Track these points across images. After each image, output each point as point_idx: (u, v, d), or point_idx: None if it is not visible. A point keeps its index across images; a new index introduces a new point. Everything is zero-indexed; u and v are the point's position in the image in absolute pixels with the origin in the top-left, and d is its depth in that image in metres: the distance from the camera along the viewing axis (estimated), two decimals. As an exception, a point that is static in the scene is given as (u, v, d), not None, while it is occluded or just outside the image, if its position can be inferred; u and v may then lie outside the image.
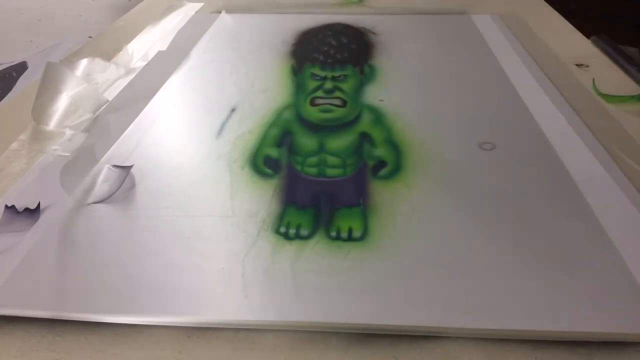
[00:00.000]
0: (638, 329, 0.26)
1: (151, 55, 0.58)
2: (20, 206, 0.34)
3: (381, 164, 0.39)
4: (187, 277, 0.29)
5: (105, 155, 0.40)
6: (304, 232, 0.32)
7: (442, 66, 0.54)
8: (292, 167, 0.39)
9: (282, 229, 0.32)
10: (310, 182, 0.37)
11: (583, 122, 0.43)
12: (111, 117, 0.46)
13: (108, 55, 0.57)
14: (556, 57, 0.56)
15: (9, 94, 0.72)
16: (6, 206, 0.34)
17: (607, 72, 0.53)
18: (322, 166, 0.39)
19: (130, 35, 0.64)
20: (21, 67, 0.81)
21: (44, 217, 0.34)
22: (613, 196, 0.35)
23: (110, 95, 0.49)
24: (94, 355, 0.26)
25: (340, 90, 0.49)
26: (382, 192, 0.36)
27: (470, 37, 0.62)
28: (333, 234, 0.32)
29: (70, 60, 0.54)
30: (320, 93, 0.49)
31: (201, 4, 0.75)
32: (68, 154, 0.41)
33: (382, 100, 0.47)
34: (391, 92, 0.49)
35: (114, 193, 0.36)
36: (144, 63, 0.56)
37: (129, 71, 0.54)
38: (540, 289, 0.28)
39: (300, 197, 0.36)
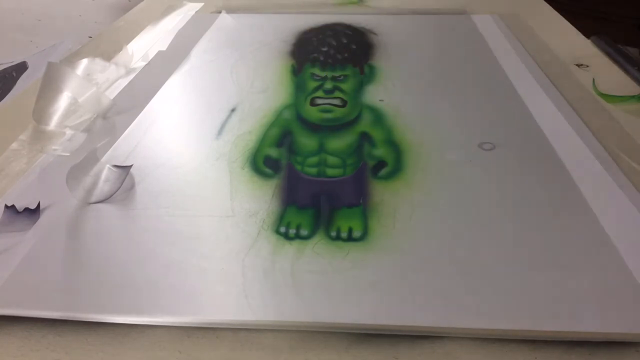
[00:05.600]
0: (638, 329, 0.26)
1: (151, 55, 0.58)
2: (20, 206, 0.34)
3: (381, 164, 0.39)
4: (187, 277, 0.29)
5: (105, 155, 0.40)
6: (304, 232, 0.32)
7: (442, 66, 0.54)
8: (292, 167, 0.39)
9: (282, 229, 0.32)
10: (310, 182, 0.37)
11: (583, 122, 0.43)
12: (111, 117, 0.46)
13: (108, 55, 0.57)
14: (556, 57, 0.56)
15: (9, 94, 0.72)
16: (6, 206, 0.34)
17: (607, 72, 0.53)
18: (322, 166, 0.39)
19: (130, 35, 0.64)
20: (21, 67, 0.80)
21: (44, 217, 0.34)
22: (613, 196, 0.35)
23: (110, 95, 0.49)
24: (94, 355, 0.26)
25: (340, 90, 0.49)
26: (382, 192, 0.36)
27: (470, 37, 0.62)
28: (333, 234, 0.32)
29: (70, 60, 0.54)
30: (320, 93, 0.49)
31: (201, 4, 0.75)
32: (68, 154, 0.41)
33: (382, 100, 0.47)
34: (391, 92, 0.49)
35: (114, 193, 0.36)
36: (144, 63, 0.56)
37: (129, 71, 0.55)
38: (540, 289, 0.28)
39: (300, 197, 0.36)
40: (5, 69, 0.80)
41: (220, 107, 0.47)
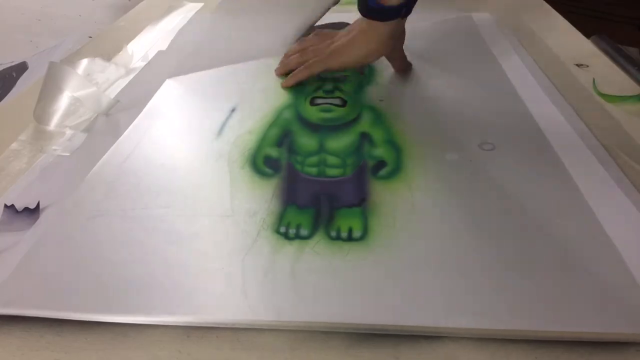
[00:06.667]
0: (638, 329, 0.25)
1: (151, 55, 0.58)
2: (20, 206, 0.34)
3: (381, 163, 0.39)
4: (187, 277, 0.29)
5: (105, 155, 0.40)
6: (304, 232, 0.32)
7: (442, 66, 0.54)
8: (292, 166, 0.39)
9: (282, 229, 0.32)
10: (310, 182, 0.37)
11: (583, 122, 0.43)
12: (111, 117, 0.46)
13: (108, 55, 0.57)
14: (556, 57, 0.56)
15: (9, 94, 0.72)
16: (6, 205, 0.34)
17: (607, 72, 0.52)
18: (322, 166, 0.39)
19: (130, 35, 0.64)
20: (21, 68, 0.80)
21: (43, 217, 0.34)
22: (613, 196, 0.35)
23: (110, 95, 0.49)
24: (93, 355, 0.26)
25: (340, 90, 0.49)
26: (382, 192, 0.36)
27: (470, 37, 0.62)
28: (333, 233, 0.32)
29: (70, 60, 0.54)
30: (320, 93, 0.49)
31: (201, 4, 0.75)
32: (68, 154, 0.41)
33: (382, 101, 0.47)
34: (391, 92, 0.49)
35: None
36: (144, 63, 0.56)
37: (129, 71, 0.55)
38: (540, 289, 0.28)
39: (300, 196, 0.36)
40: (5, 69, 0.80)
41: (220, 107, 0.47)
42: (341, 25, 0.65)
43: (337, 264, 0.30)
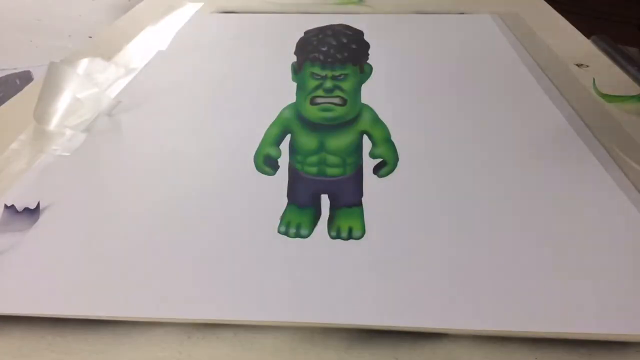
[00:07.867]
0: (638, 330, 0.25)
1: (151, 55, 0.58)
2: (20, 206, 0.34)
3: (381, 163, 0.39)
4: (186, 276, 0.29)
5: (106, 155, 0.40)
6: (304, 231, 0.32)
7: (442, 66, 0.54)
8: (292, 166, 0.39)
9: (282, 228, 0.32)
10: (311, 182, 0.37)
11: (583, 122, 0.43)
12: (111, 118, 0.46)
13: (108, 55, 0.57)
14: (556, 57, 0.56)
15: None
16: (6, 206, 0.34)
17: (607, 72, 0.52)
18: (322, 165, 0.39)
19: (130, 35, 0.64)
20: (26, 77, 0.80)
21: (43, 217, 0.34)
22: (613, 196, 0.35)
23: (110, 95, 0.49)
24: (94, 356, 0.26)
25: (340, 89, 0.49)
26: (382, 192, 0.36)
27: (470, 37, 0.62)
28: (333, 233, 0.32)
29: (71, 60, 0.54)
30: (320, 92, 0.49)
31: (201, 4, 0.75)
32: (68, 154, 0.41)
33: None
34: (391, 91, 0.49)
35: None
36: (144, 63, 0.56)
37: (129, 71, 0.54)
38: (541, 289, 0.28)
39: (301, 196, 0.36)
40: (8, 75, 0.79)
41: (220, 106, 0.47)
42: (341, 28, 0.65)
43: (337, 264, 0.30)
